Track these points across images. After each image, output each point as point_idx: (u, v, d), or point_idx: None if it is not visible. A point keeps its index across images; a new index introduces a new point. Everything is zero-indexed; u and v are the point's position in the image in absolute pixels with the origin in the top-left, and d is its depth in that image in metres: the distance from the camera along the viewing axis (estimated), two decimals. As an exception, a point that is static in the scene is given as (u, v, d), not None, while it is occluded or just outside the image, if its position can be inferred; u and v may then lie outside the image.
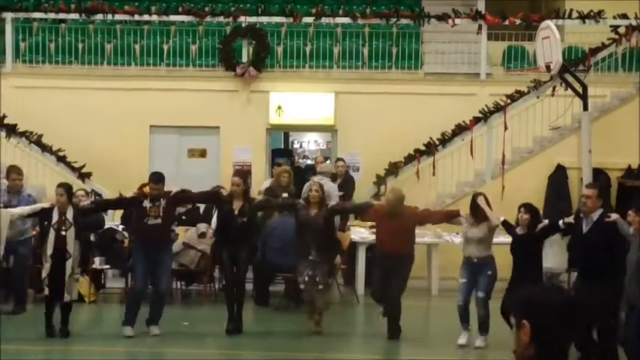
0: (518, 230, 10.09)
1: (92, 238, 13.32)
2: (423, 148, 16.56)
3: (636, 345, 8.51)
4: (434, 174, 16.44)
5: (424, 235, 13.76)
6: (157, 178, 11.01)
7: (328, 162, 16.58)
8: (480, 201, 10.49)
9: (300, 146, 23.33)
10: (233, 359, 10.16)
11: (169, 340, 10.85)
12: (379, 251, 11.22)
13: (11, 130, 16.60)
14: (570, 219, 9.78)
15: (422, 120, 16.83)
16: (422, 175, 16.40)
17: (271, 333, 11.47)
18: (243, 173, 11.53)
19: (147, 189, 11.17)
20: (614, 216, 9.24)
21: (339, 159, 16.59)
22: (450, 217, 11.33)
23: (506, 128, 16.16)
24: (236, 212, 11.03)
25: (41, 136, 16.70)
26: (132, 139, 17.13)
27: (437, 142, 16.57)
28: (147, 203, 10.88)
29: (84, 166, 16.63)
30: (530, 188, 15.32)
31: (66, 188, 10.85)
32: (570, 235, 10.15)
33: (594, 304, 8.58)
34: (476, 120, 16.50)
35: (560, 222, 9.82)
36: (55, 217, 10.64)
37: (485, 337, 10.52)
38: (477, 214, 10.52)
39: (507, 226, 10.43)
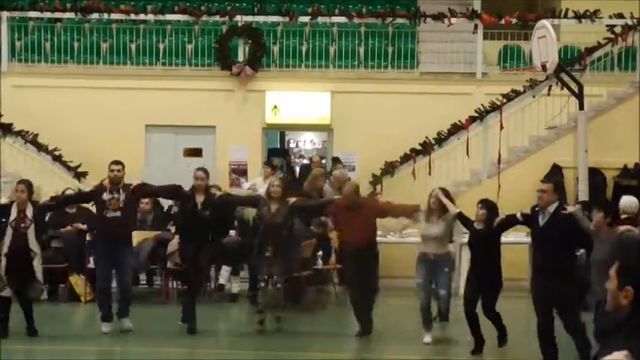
0: (476, 225, 10.04)
1: (88, 237, 13.31)
2: (419, 147, 16.57)
3: None
4: (430, 173, 16.43)
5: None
6: (117, 161, 10.98)
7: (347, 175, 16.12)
8: (439, 195, 10.37)
9: (296, 145, 23.29)
10: (227, 359, 10.14)
11: (165, 339, 10.84)
12: (343, 245, 11.22)
13: (7, 130, 16.60)
14: (528, 211, 9.69)
15: (418, 119, 16.84)
16: (418, 174, 16.41)
17: (265, 332, 11.44)
18: (205, 170, 11.38)
19: (106, 182, 10.96)
20: (570, 208, 9.22)
21: (335, 158, 16.59)
22: (410, 211, 11.12)
23: (502, 127, 16.18)
24: (199, 207, 10.94)
25: (37, 135, 16.69)
26: (128, 138, 17.10)
27: (433, 142, 16.58)
28: (106, 196, 10.77)
29: (80, 165, 16.62)
30: (526, 188, 15.24)
31: (27, 185, 10.58)
32: (530, 228, 10.08)
33: (554, 298, 8.82)
34: (472, 119, 16.51)
35: (519, 214, 9.70)
36: (14, 214, 10.36)
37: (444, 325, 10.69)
38: (434, 209, 10.38)
39: (463, 220, 10.28)
